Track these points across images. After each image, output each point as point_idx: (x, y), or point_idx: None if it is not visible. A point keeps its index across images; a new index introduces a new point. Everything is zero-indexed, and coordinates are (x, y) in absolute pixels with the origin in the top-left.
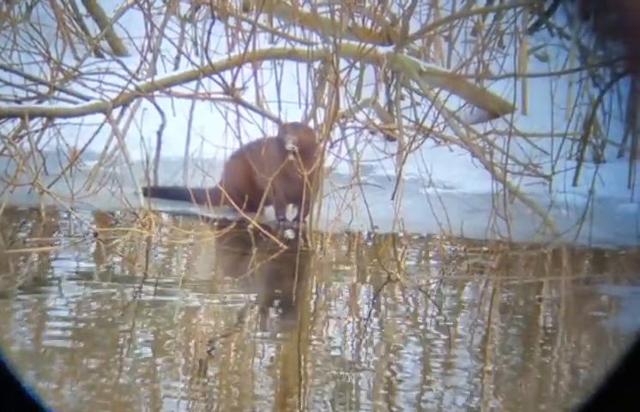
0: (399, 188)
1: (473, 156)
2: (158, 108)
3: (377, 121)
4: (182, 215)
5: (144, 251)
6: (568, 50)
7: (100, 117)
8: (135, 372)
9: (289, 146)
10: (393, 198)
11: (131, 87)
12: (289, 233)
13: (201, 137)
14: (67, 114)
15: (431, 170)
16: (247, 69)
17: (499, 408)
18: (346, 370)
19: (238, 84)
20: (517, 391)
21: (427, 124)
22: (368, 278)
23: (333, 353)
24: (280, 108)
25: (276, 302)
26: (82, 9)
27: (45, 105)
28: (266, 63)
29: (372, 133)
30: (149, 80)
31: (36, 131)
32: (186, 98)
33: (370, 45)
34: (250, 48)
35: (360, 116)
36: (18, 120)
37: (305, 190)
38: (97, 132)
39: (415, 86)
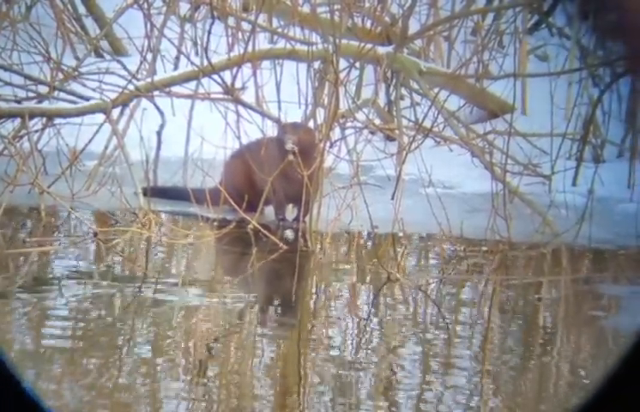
0: (399, 188)
1: (473, 156)
2: (157, 108)
3: (377, 121)
4: (181, 215)
5: (144, 251)
6: (568, 50)
7: (100, 117)
8: (133, 372)
9: (289, 146)
10: (393, 198)
11: (131, 87)
12: (289, 233)
13: (200, 137)
14: (67, 114)
15: (430, 170)
16: (247, 69)
17: (498, 408)
18: (345, 369)
19: (238, 84)
20: (516, 391)
21: (427, 123)
22: (368, 278)
23: (332, 352)
24: (279, 108)
25: (276, 302)
26: (82, 9)
27: (45, 105)
28: (266, 63)
29: (372, 133)
30: (149, 80)
31: (36, 131)
32: (186, 98)
33: (369, 45)
34: (249, 48)
35: (360, 116)
36: (18, 120)
37: (305, 190)
38: (97, 132)
39: (415, 86)
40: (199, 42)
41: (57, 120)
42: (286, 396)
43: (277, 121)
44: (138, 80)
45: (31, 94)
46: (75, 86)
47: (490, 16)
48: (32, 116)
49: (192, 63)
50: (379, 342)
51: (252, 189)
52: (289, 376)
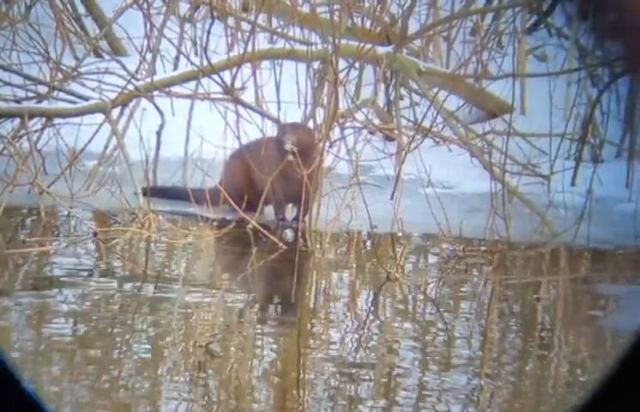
0: (398, 188)
1: (472, 156)
2: (157, 108)
3: (376, 121)
4: (181, 215)
5: (143, 251)
6: (566, 50)
7: (100, 117)
8: (132, 372)
9: (288, 146)
10: (392, 198)
11: (130, 87)
12: (288, 233)
13: (200, 137)
14: (66, 114)
15: (429, 170)
16: (246, 69)
17: (498, 408)
18: (344, 368)
19: (238, 84)
20: (515, 391)
21: (426, 123)
22: (367, 278)
23: (332, 352)
24: (279, 108)
25: (275, 301)
26: (81, 9)
27: (45, 105)
28: (265, 63)
29: (371, 133)
30: (148, 80)
31: (35, 131)
32: (185, 98)
33: (369, 45)
34: (249, 48)
35: (359, 116)
36: (17, 120)
37: (305, 189)
38: (96, 132)
39: (414, 86)
40: (199, 42)
41: (57, 120)
42: (285, 394)
43: (277, 121)
44: (138, 80)
45: (30, 94)
46: (74, 86)
47: (489, 16)
48: (31, 116)
49: (192, 63)
50: (378, 341)
51: (252, 189)
52: (288, 374)
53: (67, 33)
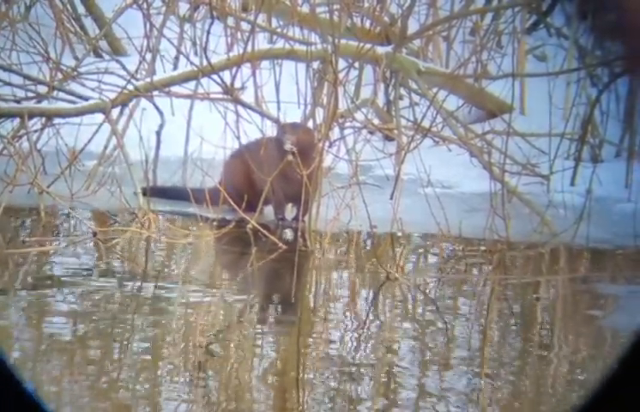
0: (397, 187)
1: (472, 156)
2: (157, 108)
3: (376, 121)
4: (181, 215)
5: (143, 251)
6: (566, 50)
7: (99, 117)
8: (132, 372)
9: (288, 146)
10: (392, 198)
11: (130, 87)
12: (288, 233)
13: (200, 137)
14: (66, 114)
15: (429, 170)
16: (246, 69)
17: (497, 407)
18: (344, 368)
19: (237, 84)
20: (514, 391)
21: (426, 123)
22: (367, 277)
23: (331, 351)
24: (279, 108)
25: (275, 301)
26: (81, 9)
27: (44, 104)
28: (265, 63)
29: (371, 133)
30: (148, 80)
31: (35, 131)
32: (185, 98)
33: (368, 45)
34: (249, 48)
35: (359, 116)
36: (17, 120)
37: (304, 189)
38: (96, 132)
39: (414, 86)
40: (198, 42)
41: (57, 120)
42: (285, 393)
43: (276, 121)
44: (137, 80)
45: (30, 94)
46: (74, 86)
47: (488, 16)
48: (31, 116)
49: (191, 63)
50: (377, 341)
51: (252, 189)
52: (288, 374)
53: (67, 33)
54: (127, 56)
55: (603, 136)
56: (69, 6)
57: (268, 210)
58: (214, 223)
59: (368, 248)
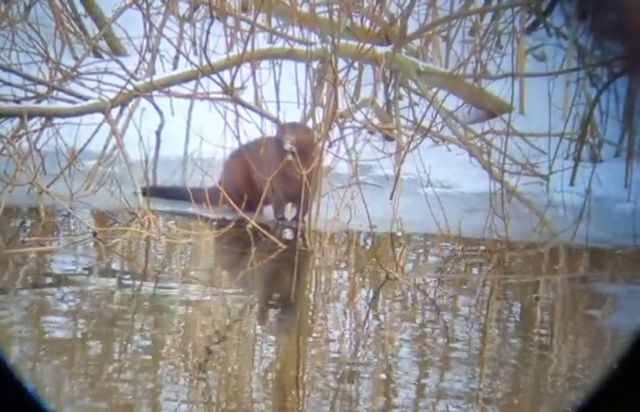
0: (397, 187)
1: (471, 156)
2: (157, 108)
3: (376, 121)
4: (181, 215)
5: (143, 251)
6: (565, 49)
7: (99, 116)
8: (131, 371)
9: (288, 146)
10: (391, 198)
11: (130, 86)
12: (288, 233)
13: (200, 137)
14: (65, 114)
15: (429, 169)
16: (246, 69)
17: (497, 407)
18: (343, 367)
19: (237, 84)
20: (513, 391)
21: (425, 123)
22: (366, 277)
23: (331, 351)
24: (278, 108)
25: (275, 301)
26: (81, 9)
27: (44, 104)
28: (265, 63)
29: (371, 133)
30: (148, 80)
31: (35, 131)
32: (185, 98)
33: (368, 45)
34: (248, 48)
35: (359, 116)
36: (17, 120)
37: (304, 189)
38: (96, 132)
39: (413, 86)
40: (198, 42)
41: (56, 120)
42: (285, 393)
43: (276, 121)
44: (137, 80)
45: (30, 94)
46: (73, 86)
47: (488, 16)
48: (30, 116)
49: (191, 63)
50: (377, 340)
51: (251, 188)
52: (287, 373)
53: (66, 33)
54: (127, 56)
55: (602, 135)
56: (68, 6)
57: (268, 210)
58: (214, 223)
59: (368, 248)
